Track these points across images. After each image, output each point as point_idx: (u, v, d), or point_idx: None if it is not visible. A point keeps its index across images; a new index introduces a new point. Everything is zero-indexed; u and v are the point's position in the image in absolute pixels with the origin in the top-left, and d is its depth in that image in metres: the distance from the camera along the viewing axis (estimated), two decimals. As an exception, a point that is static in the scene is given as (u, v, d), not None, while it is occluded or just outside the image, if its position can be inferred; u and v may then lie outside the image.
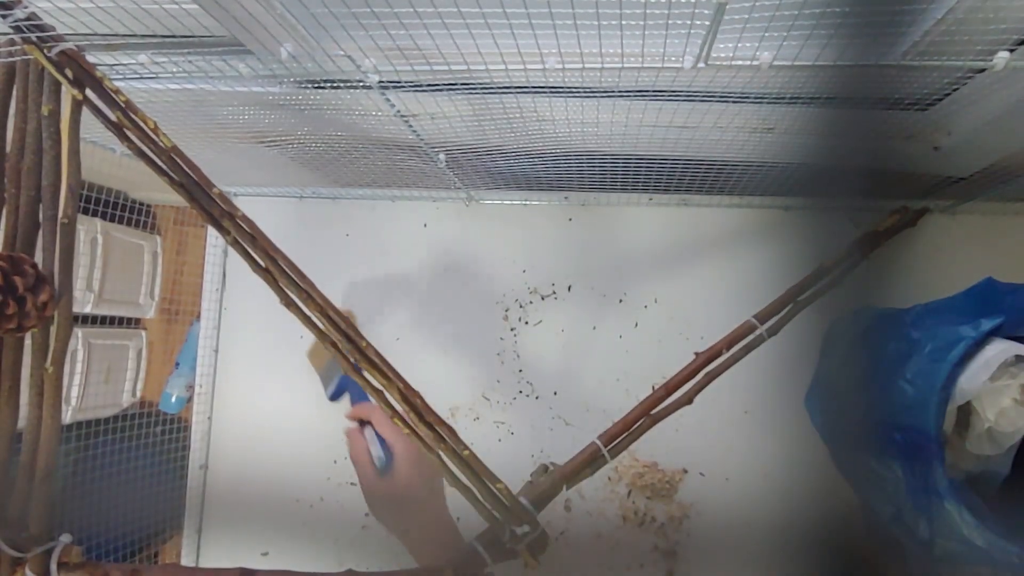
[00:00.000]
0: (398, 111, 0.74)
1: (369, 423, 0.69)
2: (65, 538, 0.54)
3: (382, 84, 0.67)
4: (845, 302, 0.85)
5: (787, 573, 0.94)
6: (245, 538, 1.12)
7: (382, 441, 0.67)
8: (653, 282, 1.04)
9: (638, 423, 0.64)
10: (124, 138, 0.55)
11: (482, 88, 0.67)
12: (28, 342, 0.56)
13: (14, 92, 0.56)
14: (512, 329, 1.07)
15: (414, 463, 0.65)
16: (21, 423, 0.57)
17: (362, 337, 0.54)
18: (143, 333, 1.66)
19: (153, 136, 0.55)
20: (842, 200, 0.96)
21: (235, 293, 1.17)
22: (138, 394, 1.63)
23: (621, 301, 1.04)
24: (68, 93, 0.55)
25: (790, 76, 0.60)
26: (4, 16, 0.52)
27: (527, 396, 1.05)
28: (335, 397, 0.88)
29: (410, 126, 0.79)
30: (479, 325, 1.08)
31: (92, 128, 0.65)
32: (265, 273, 0.56)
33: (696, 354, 0.70)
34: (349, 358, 0.54)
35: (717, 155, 0.84)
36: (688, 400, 0.67)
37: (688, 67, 0.56)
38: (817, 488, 0.93)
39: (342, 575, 0.52)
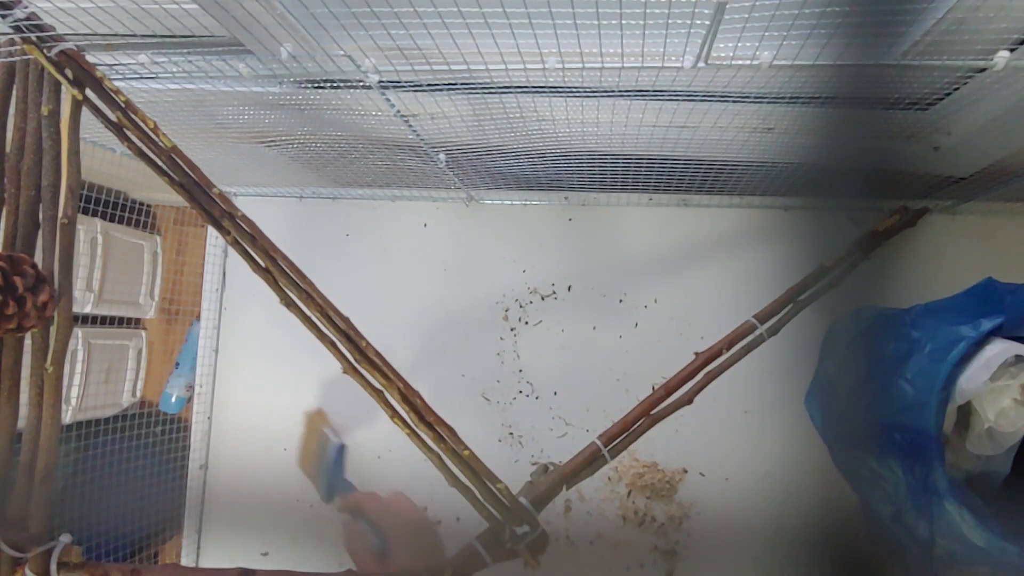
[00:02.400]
0: (398, 111, 0.74)
1: (360, 513, 0.64)
2: (65, 538, 0.54)
3: (382, 84, 0.67)
4: (845, 302, 0.85)
5: (787, 573, 0.94)
6: (245, 538, 1.12)
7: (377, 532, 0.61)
8: (653, 282, 1.04)
9: (638, 423, 0.64)
10: (124, 138, 0.55)
11: (482, 88, 0.67)
12: (28, 342, 0.56)
13: (14, 92, 0.56)
14: (512, 329, 1.07)
15: (409, 545, 0.60)
16: (21, 423, 0.57)
17: (362, 337, 0.54)
18: (143, 333, 1.66)
19: (153, 136, 0.55)
20: (842, 200, 0.96)
21: (235, 293, 1.17)
22: (138, 394, 1.63)
23: (621, 301, 1.04)
24: (68, 93, 0.55)
25: (790, 76, 0.60)
26: (4, 16, 0.52)
27: (527, 396, 1.05)
28: (329, 498, 0.82)
29: (410, 126, 0.79)
30: (479, 325, 1.07)
31: (92, 128, 0.65)
32: (265, 273, 0.56)
33: (696, 354, 0.70)
34: (349, 357, 0.54)
35: (717, 155, 0.84)
36: (688, 400, 0.67)
37: (688, 67, 0.56)
38: (817, 488, 0.93)
39: (342, 575, 0.52)
